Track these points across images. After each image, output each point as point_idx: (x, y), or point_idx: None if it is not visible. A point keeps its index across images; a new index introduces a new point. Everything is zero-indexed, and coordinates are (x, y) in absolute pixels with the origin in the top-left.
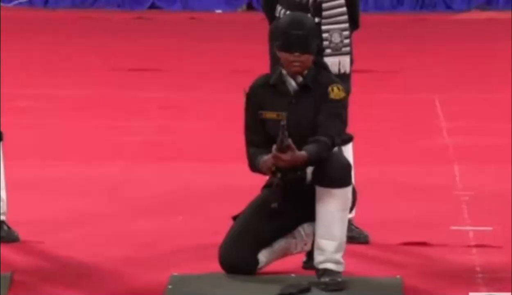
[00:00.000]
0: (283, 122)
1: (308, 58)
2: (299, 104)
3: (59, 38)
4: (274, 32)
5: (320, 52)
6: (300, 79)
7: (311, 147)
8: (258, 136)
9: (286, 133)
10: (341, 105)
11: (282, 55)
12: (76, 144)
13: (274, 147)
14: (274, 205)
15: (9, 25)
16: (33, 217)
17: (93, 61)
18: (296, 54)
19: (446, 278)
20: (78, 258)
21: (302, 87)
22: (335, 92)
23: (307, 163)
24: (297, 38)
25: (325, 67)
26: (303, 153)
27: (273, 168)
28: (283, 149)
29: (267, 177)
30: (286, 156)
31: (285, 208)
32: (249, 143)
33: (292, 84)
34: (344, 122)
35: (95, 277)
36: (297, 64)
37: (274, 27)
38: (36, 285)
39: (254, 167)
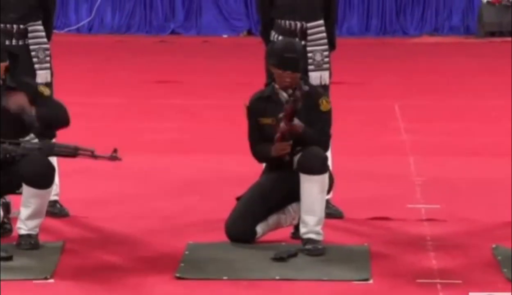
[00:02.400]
0: (297, 95)
1: (297, 76)
2: None
3: (100, 57)
4: (270, 53)
5: (305, 68)
6: (290, 91)
7: (308, 128)
8: (259, 137)
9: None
10: (329, 115)
11: (276, 72)
12: (113, 140)
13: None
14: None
15: (61, 48)
16: (79, 197)
17: (127, 75)
18: (288, 72)
19: (403, 245)
20: (115, 229)
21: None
22: (324, 104)
23: (301, 135)
24: (290, 60)
25: (308, 81)
26: (301, 124)
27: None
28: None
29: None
30: (296, 121)
31: (277, 190)
32: (254, 143)
33: (283, 95)
34: (331, 127)
35: (127, 244)
36: (288, 80)
37: (270, 49)
38: (82, 250)
39: (265, 157)
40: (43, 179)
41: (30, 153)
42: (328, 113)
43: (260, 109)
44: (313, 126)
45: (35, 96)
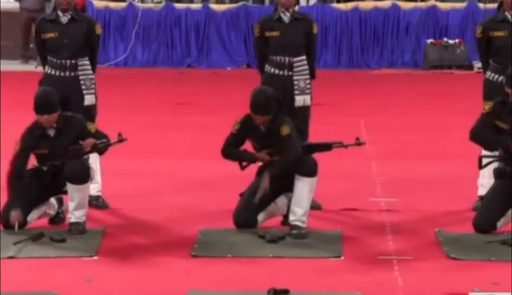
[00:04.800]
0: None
1: (266, 119)
2: (268, 139)
3: (133, 85)
4: None
5: (291, 94)
6: (266, 126)
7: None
8: (236, 144)
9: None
10: (289, 139)
11: (251, 114)
12: (142, 147)
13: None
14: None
15: (103, 78)
16: (117, 193)
17: (154, 98)
18: (258, 116)
19: (367, 230)
20: (143, 218)
21: (268, 131)
22: (284, 130)
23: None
24: (258, 106)
25: (281, 112)
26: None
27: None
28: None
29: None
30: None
31: (271, 186)
32: (229, 146)
33: (261, 129)
34: (297, 139)
35: (154, 230)
36: (259, 121)
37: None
38: (118, 235)
39: (242, 158)
40: (80, 177)
41: (67, 160)
42: (287, 137)
43: (248, 130)
44: (282, 146)
45: (84, 132)
